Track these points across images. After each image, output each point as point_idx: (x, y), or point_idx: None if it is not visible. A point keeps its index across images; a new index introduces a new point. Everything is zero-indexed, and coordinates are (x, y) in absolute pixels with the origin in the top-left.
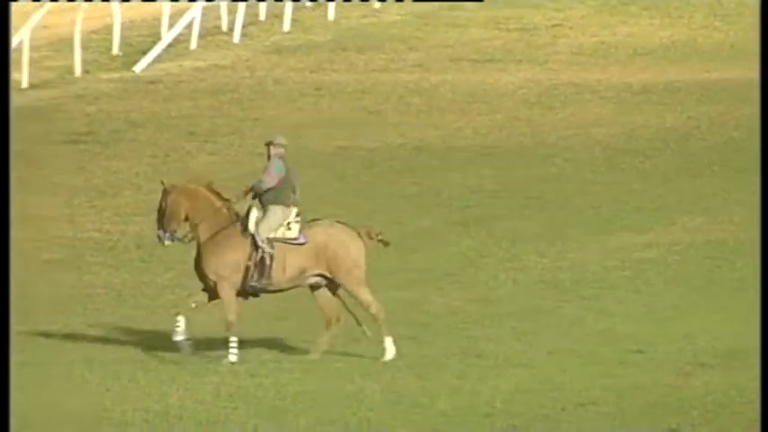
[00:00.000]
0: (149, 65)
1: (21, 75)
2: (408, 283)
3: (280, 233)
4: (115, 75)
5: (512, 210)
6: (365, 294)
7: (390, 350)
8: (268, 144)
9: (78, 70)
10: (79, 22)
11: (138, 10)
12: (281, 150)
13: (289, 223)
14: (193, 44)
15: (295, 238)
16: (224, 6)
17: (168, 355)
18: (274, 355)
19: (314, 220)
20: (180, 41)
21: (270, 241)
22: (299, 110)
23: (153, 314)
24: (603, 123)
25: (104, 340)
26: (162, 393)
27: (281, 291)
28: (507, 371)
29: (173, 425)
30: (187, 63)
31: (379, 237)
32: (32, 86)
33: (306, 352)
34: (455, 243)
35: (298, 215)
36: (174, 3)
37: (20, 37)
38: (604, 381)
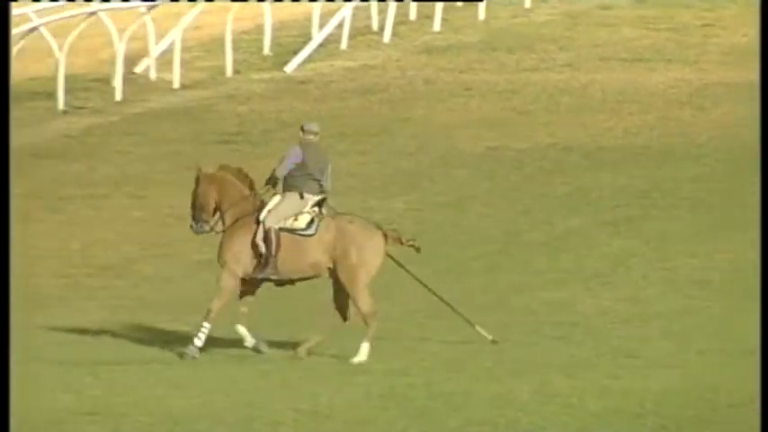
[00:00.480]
0: (300, 65)
1: (172, 75)
2: (558, 283)
3: (288, 223)
4: (266, 75)
5: (662, 210)
6: (363, 296)
7: (362, 354)
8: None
9: (229, 71)
10: (230, 22)
11: (289, 10)
12: (309, 137)
13: (300, 213)
14: (344, 44)
15: (303, 229)
16: (374, 6)
17: (319, 356)
18: (426, 355)
19: (341, 213)
20: (330, 41)
21: (276, 231)
22: (449, 110)
23: (307, 313)
24: (755, 124)
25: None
26: (312, 393)
27: (293, 281)
28: (657, 371)
29: (322, 424)
30: (338, 63)
31: (410, 242)
32: (184, 87)
33: (460, 353)
34: (605, 243)
35: (318, 205)
36: (325, 3)
37: (171, 38)
38: (755, 382)
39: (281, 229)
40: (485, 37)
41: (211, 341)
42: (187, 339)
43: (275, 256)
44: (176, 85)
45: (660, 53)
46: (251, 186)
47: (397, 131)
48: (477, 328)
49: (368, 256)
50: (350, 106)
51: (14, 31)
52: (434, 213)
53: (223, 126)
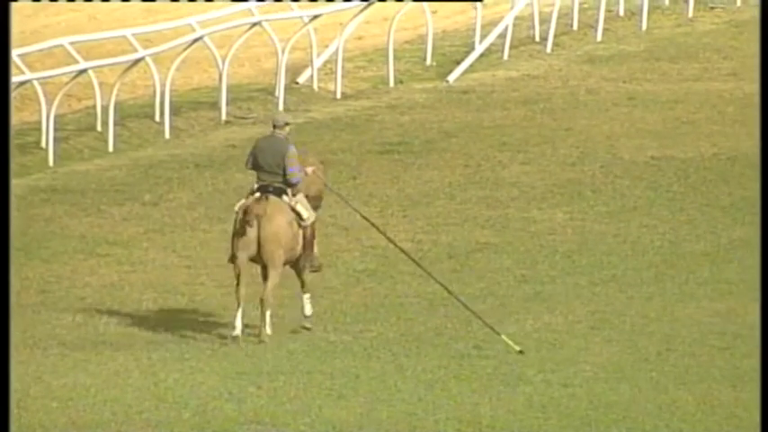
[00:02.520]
0: (462, 75)
1: (335, 85)
2: (722, 294)
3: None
4: (428, 85)
5: None
6: (273, 277)
7: (237, 328)
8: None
9: (392, 80)
10: (392, 32)
11: (452, 20)
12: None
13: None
14: (506, 54)
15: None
16: (536, 16)
17: (480, 365)
18: (588, 365)
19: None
20: (492, 51)
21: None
22: (612, 120)
23: (465, 324)
24: None
25: (417, 350)
26: (474, 403)
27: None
28: None
29: None
30: (500, 73)
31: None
32: (346, 97)
33: (623, 363)
34: None
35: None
36: (487, 13)
37: (334, 48)
38: None
39: None
40: (648, 46)
41: (374, 351)
42: (347, 348)
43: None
44: (338, 95)
45: None
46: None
47: (560, 141)
48: (503, 336)
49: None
50: (512, 116)
51: (178, 41)
52: (597, 224)
53: (385, 136)
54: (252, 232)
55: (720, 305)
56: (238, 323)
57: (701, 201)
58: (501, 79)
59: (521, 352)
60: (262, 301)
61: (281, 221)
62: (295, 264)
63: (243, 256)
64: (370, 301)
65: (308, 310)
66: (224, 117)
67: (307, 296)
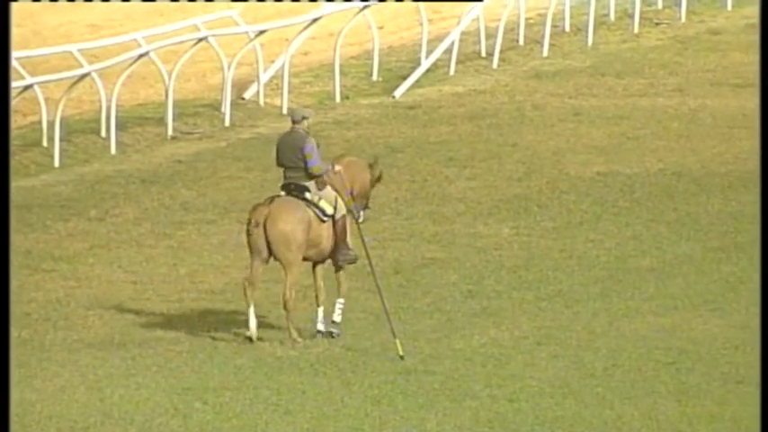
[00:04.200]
0: (408, 90)
1: (281, 101)
2: (667, 309)
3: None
4: (375, 100)
5: None
6: (289, 276)
7: (252, 329)
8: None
9: (338, 96)
10: (338, 48)
11: (398, 35)
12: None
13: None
14: (452, 69)
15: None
16: (482, 32)
17: (427, 381)
18: (534, 381)
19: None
20: (439, 66)
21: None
22: (558, 135)
23: (412, 339)
24: None
25: (363, 366)
26: (420, 418)
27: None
28: None
29: None
30: (446, 88)
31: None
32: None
33: (569, 378)
34: (715, 269)
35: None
36: (432, 28)
37: (280, 63)
38: None
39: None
40: (594, 62)
41: (320, 367)
42: (293, 364)
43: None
44: (285, 110)
45: None
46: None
47: (506, 157)
48: (397, 341)
49: (286, 230)
50: (458, 131)
51: (124, 56)
52: (543, 239)
53: (331, 151)
54: (259, 237)
55: (666, 320)
56: (252, 324)
57: (647, 216)
58: (447, 94)
59: (401, 357)
60: (284, 303)
61: (287, 220)
62: (332, 261)
63: (256, 262)
64: (316, 317)
65: (338, 316)
66: (170, 132)
67: (340, 302)
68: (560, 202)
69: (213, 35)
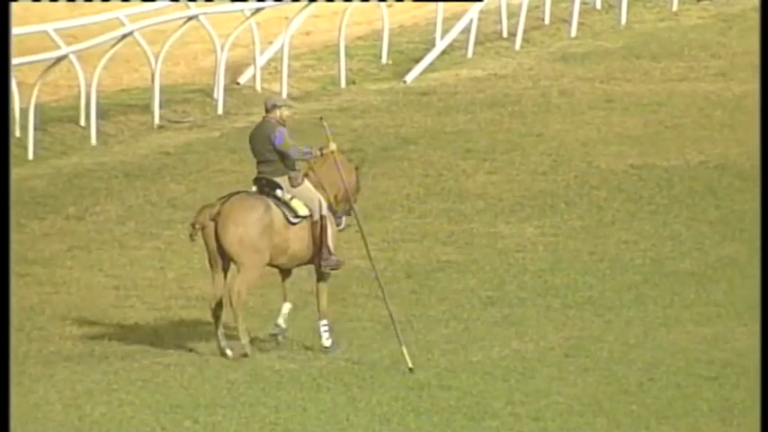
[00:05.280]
0: (421, 74)
1: (280, 86)
2: (709, 317)
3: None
4: (384, 85)
5: None
6: (242, 273)
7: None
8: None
9: (343, 81)
10: (344, 27)
11: (410, 14)
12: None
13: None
14: (470, 51)
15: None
16: (504, 10)
17: (442, 397)
18: (561, 397)
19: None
20: (455, 48)
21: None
22: (588, 124)
23: (425, 351)
24: None
25: (371, 380)
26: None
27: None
28: None
29: None
30: (463, 72)
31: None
32: (292, 99)
33: (601, 395)
34: (762, 273)
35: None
36: (449, 5)
37: (278, 45)
38: None
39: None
40: (627, 43)
41: (323, 382)
42: (293, 378)
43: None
44: (284, 96)
45: None
46: None
47: (530, 148)
48: (404, 350)
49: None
50: (477, 120)
51: (105, 37)
52: (571, 240)
53: (336, 142)
54: (210, 241)
55: (707, 330)
56: (223, 344)
57: (687, 214)
58: (464, 79)
59: (411, 370)
60: (229, 298)
61: (239, 221)
62: (314, 268)
63: (217, 275)
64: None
65: (326, 340)
66: (157, 121)
67: (323, 325)
68: (590, 198)
69: (205, 13)
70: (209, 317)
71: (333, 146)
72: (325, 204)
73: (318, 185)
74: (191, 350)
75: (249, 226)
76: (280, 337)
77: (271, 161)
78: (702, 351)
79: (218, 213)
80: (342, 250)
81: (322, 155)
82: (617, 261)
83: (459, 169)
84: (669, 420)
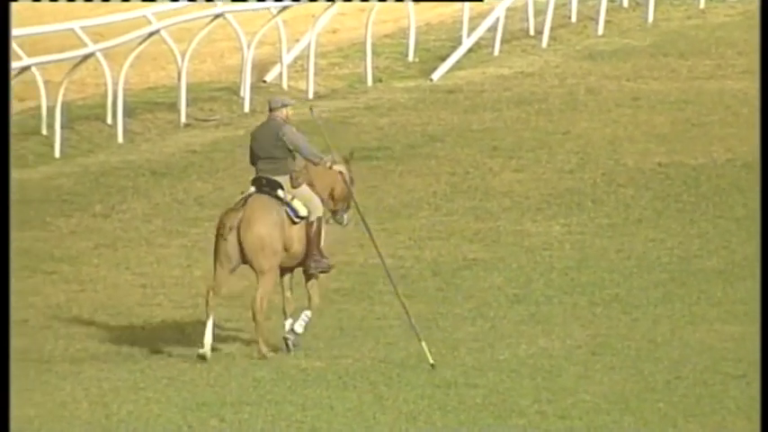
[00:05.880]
0: (448, 72)
1: (306, 84)
2: (737, 315)
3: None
4: (410, 83)
5: None
6: (262, 285)
7: (206, 346)
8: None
9: (370, 79)
10: (370, 25)
11: (436, 11)
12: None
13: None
14: (497, 49)
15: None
16: (531, 7)
17: (469, 395)
18: (588, 395)
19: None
20: (482, 46)
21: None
22: (615, 122)
23: (451, 349)
24: None
25: (397, 378)
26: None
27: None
28: None
29: None
30: (490, 70)
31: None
32: (318, 97)
33: (628, 392)
34: None
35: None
36: (475, 3)
37: (305, 42)
38: None
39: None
40: (654, 40)
41: (350, 380)
42: (320, 376)
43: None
44: (311, 94)
45: None
46: None
47: (557, 146)
48: (423, 345)
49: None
50: (504, 118)
51: (132, 35)
52: (598, 238)
53: (362, 140)
54: (231, 244)
55: (735, 328)
56: (207, 340)
57: (714, 212)
58: (491, 77)
59: (433, 366)
60: (253, 314)
61: (264, 223)
62: (303, 269)
63: (222, 271)
64: (345, 324)
65: (300, 327)
66: (183, 119)
67: (306, 314)
68: (617, 196)
69: (231, 11)
70: (238, 314)
71: (342, 168)
72: (321, 207)
73: (310, 184)
74: (217, 348)
75: (272, 228)
76: (290, 343)
77: (275, 159)
78: (729, 349)
79: (243, 216)
80: (368, 248)
81: (330, 168)
82: (644, 259)
83: (485, 167)
84: (696, 418)
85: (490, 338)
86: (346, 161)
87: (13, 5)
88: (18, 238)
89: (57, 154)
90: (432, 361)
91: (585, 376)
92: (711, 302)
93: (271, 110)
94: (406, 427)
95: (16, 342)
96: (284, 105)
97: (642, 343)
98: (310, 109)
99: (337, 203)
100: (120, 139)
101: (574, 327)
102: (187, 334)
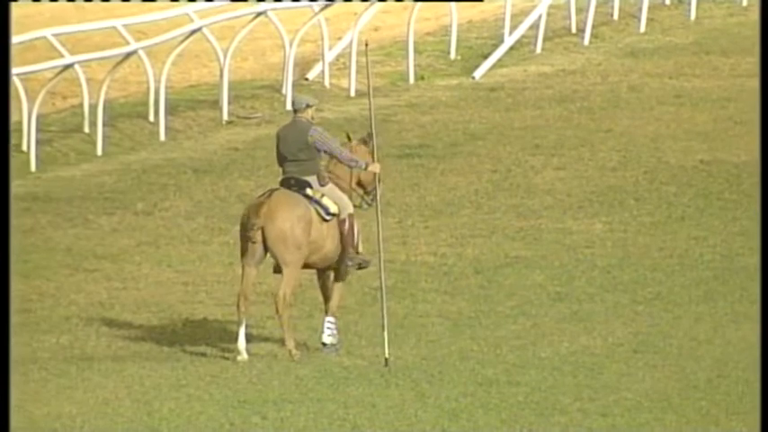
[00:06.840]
0: (490, 70)
1: (348, 82)
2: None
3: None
4: (452, 81)
5: None
6: (287, 275)
7: (241, 351)
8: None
9: (411, 77)
10: (412, 23)
11: (478, 9)
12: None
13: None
14: (539, 47)
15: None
16: (573, 5)
17: (510, 393)
18: (630, 393)
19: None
20: (524, 44)
21: None
22: (657, 120)
23: (494, 347)
24: None
25: (439, 376)
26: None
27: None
28: None
29: None
30: (532, 68)
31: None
32: (360, 95)
33: (670, 390)
34: None
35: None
36: (516, 2)
37: (347, 40)
38: None
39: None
40: (697, 38)
41: (392, 378)
42: (362, 374)
43: None
44: (353, 92)
45: None
46: None
47: (599, 144)
48: (385, 334)
49: (285, 226)
50: (546, 116)
51: (174, 33)
52: (640, 235)
53: (405, 138)
54: (257, 238)
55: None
56: (241, 345)
57: (756, 209)
58: (533, 75)
59: (386, 361)
60: (276, 305)
61: (286, 217)
62: (334, 269)
63: (250, 266)
64: (387, 322)
65: (328, 338)
66: (225, 117)
67: (330, 321)
68: (659, 194)
69: (273, 9)
70: (276, 312)
71: (377, 167)
72: (350, 204)
73: (335, 175)
74: (259, 346)
75: (295, 222)
76: (326, 351)
77: (302, 160)
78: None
79: (266, 210)
80: (410, 246)
81: (366, 169)
82: (686, 257)
83: (527, 165)
84: (739, 416)
85: (532, 336)
86: (365, 142)
87: (56, 5)
88: (60, 236)
89: (99, 152)
90: (387, 355)
91: (627, 374)
92: (754, 300)
93: (295, 111)
94: (448, 424)
95: (58, 339)
96: (308, 106)
97: (684, 341)
98: (369, 135)
99: (367, 186)
100: (163, 136)
101: (616, 325)
102: (229, 331)
